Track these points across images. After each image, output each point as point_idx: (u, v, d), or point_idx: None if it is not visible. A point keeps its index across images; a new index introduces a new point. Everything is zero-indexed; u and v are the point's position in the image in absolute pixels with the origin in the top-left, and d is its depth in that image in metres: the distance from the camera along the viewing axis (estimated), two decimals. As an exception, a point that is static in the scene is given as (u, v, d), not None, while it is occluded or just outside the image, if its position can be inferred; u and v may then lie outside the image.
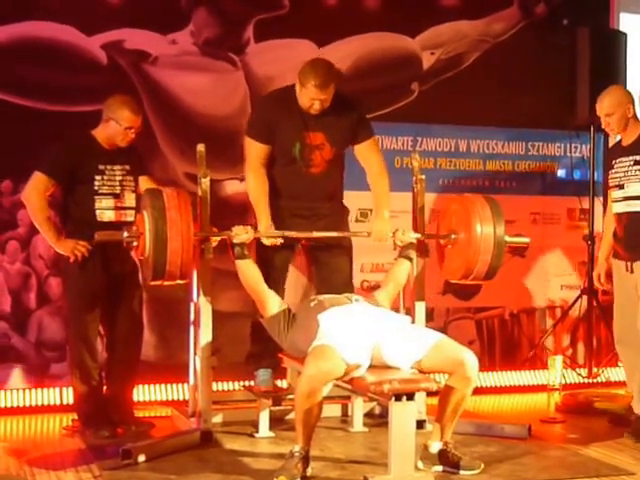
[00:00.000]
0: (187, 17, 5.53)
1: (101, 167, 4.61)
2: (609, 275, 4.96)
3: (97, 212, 4.60)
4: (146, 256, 4.24)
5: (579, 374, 6.10)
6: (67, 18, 5.25)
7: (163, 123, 5.45)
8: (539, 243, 6.12)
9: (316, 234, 4.63)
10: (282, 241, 4.53)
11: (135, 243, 4.29)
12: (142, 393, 5.31)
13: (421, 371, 3.96)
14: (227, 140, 5.09)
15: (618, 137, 4.87)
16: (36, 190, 4.56)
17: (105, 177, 4.62)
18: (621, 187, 4.74)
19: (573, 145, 6.20)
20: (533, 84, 6.01)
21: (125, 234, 4.29)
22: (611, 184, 4.81)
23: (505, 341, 6.13)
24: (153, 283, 4.32)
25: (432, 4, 5.98)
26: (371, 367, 3.95)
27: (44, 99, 5.21)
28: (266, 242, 4.55)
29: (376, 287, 4.73)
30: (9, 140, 5.14)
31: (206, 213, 4.42)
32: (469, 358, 3.93)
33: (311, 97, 4.54)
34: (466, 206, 4.60)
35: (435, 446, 4.06)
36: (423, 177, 4.74)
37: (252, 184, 4.66)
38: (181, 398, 5.30)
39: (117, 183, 4.65)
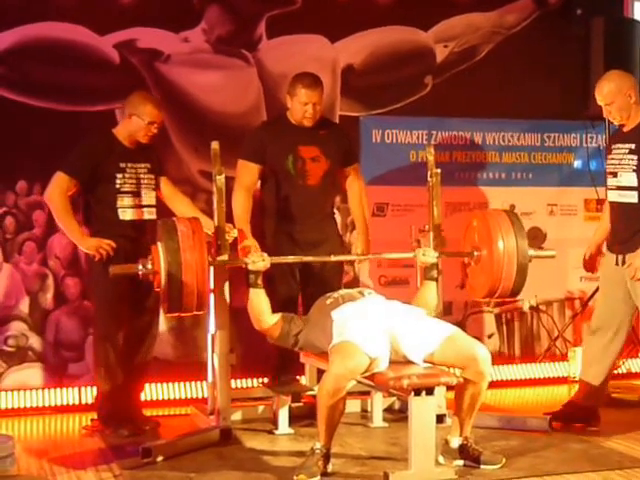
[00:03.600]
0: (199, 15, 5.51)
1: (122, 165, 4.61)
2: (597, 261, 4.80)
3: (119, 210, 4.61)
4: (162, 291, 4.19)
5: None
6: (79, 18, 5.25)
7: (177, 121, 5.44)
8: (556, 234, 6.09)
9: (308, 259, 4.65)
10: (268, 266, 4.37)
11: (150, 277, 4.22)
12: (161, 391, 5.31)
13: (433, 364, 3.94)
14: (241, 137, 5.07)
15: None
16: (59, 190, 4.56)
17: (127, 175, 4.62)
18: (615, 175, 4.57)
19: (589, 135, 6.15)
20: (547, 75, 5.97)
21: (140, 267, 4.20)
22: (607, 170, 4.64)
23: (524, 334, 6.10)
24: (170, 315, 4.56)
25: (444, -4, 5.96)
26: (390, 361, 3.92)
27: (57, 99, 5.20)
28: (252, 267, 4.33)
29: (393, 282, 4.71)
30: (23, 141, 5.14)
31: (221, 210, 4.40)
32: (481, 352, 3.90)
33: (303, 101, 4.71)
34: (487, 222, 4.51)
35: (455, 441, 4.04)
36: (438, 171, 4.70)
37: (240, 202, 4.77)
38: (200, 396, 5.30)
39: (138, 181, 4.65)
